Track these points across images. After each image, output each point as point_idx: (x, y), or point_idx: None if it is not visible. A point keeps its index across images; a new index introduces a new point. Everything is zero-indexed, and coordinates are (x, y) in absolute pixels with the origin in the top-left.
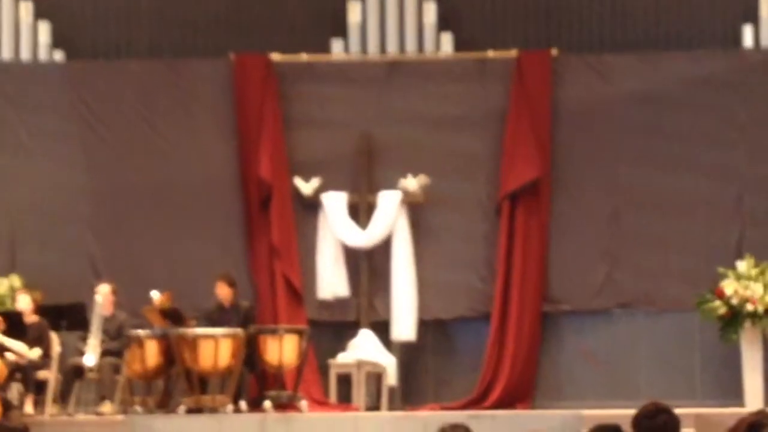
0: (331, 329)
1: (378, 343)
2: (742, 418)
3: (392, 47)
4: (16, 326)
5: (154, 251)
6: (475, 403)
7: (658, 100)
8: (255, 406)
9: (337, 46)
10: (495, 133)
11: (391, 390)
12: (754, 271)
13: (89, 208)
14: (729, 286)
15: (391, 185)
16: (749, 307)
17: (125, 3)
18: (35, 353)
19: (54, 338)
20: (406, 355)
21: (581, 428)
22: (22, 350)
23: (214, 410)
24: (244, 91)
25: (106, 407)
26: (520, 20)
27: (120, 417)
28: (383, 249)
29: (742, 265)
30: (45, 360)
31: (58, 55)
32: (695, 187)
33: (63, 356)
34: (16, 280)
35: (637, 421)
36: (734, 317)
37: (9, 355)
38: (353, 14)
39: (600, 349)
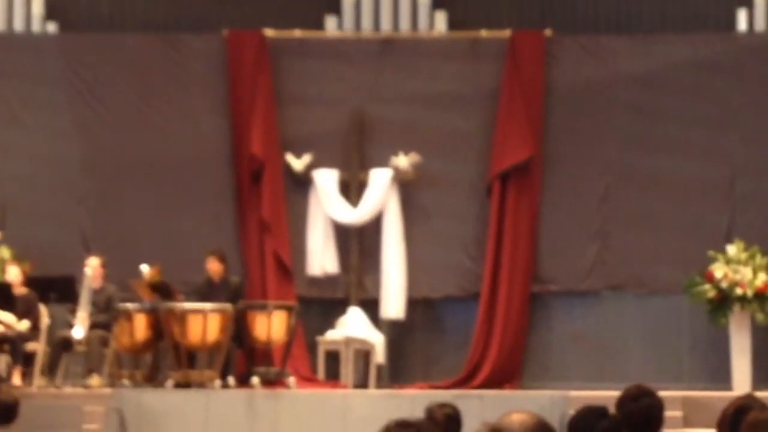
0: (319, 306)
1: (367, 321)
2: (731, 401)
3: (386, 25)
4: (4, 298)
5: (144, 225)
6: (463, 382)
7: (652, 83)
8: (243, 382)
9: (330, 22)
10: (487, 112)
11: (380, 368)
12: (743, 255)
13: (80, 181)
14: (719, 270)
15: (383, 163)
16: (738, 291)
17: None
18: (24, 325)
19: (43, 310)
20: (395, 333)
21: (568, 409)
22: (10, 321)
23: (201, 385)
24: (237, 66)
25: (94, 380)
26: (514, 0)
27: (108, 390)
28: (373, 227)
29: (732, 249)
30: (33, 332)
31: (52, 27)
32: (687, 169)
33: (51, 328)
34: (5, 251)
35: (621, 404)
36: (723, 301)
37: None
38: None
39: (588, 330)
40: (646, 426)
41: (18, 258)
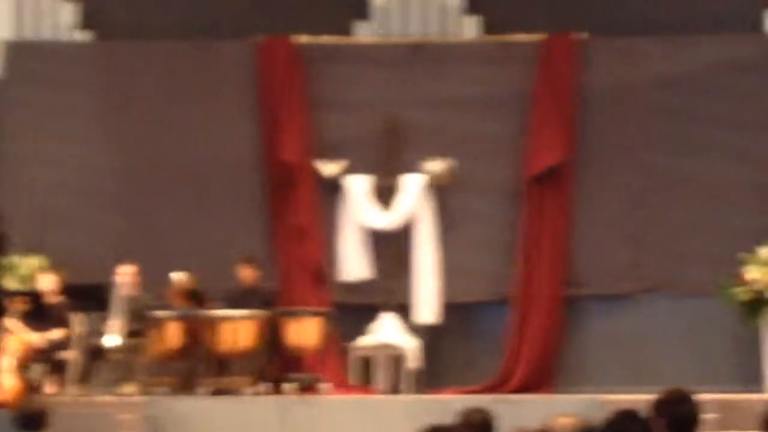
0: (351, 312)
1: (399, 326)
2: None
3: (416, 29)
4: (37, 307)
5: (177, 232)
6: (496, 387)
7: (684, 84)
8: (276, 388)
9: (361, 28)
10: (519, 115)
11: (413, 373)
12: None
13: (115, 188)
14: (752, 272)
15: (415, 167)
16: None
17: None
18: (56, 334)
19: (76, 319)
20: (429, 337)
21: (601, 413)
22: (33, 341)
23: (235, 392)
24: (269, 73)
25: (128, 388)
26: (546, 3)
27: (141, 398)
28: (407, 232)
29: (765, 251)
30: (67, 340)
31: (87, 36)
32: (720, 171)
33: (85, 337)
34: (39, 260)
35: (661, 407)
36: (756, 303)
37: (33, 336)
38: None
39: (622, 333)
40: (683, 429)
41: (54, 266)
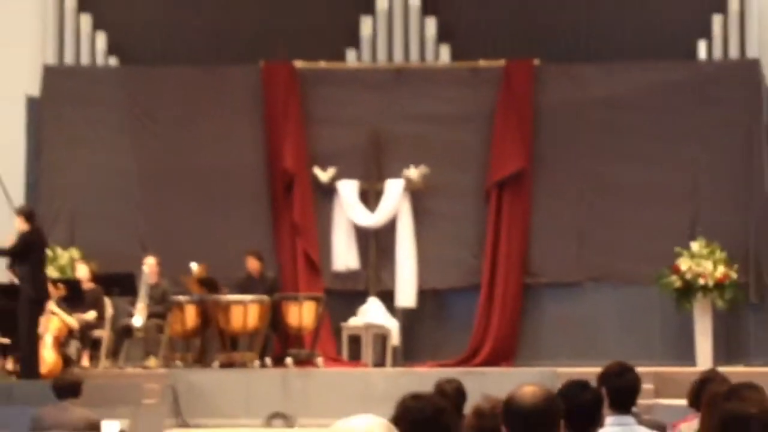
0: (343, 297)
1: (383, 309)
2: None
3: (398, 56)
4: (74, 292)
5: (193, 229)
6: (466, 361)
7: (625, 104)
8: (278, 362)
9: (350, 55)
10: (485, 130)
11: (395, 349)
12: (705, 251)
13: (138, 191)
14: (684, 263)
15: (396, 174)
16: (701, 281)
17: (170, 18)
18: (90, 315)
19: (107, 302)
20: (408, 319)
21: (556, 384)
22: (71, 322)
23: (243, 365)
24: (271, 93)
25: (151, 362)
26: (507, 34)
27: (163, 370)
28: (389, 229)
29: (695, 245)
30: (99, 321)
31: (113, 61)
32: (656, 177)
33: (115, 318)
34: (75, 252)
35: (605, 379)
36: (688, 290)
37: (70, 318)
38: (365, 28)
39: (572, 316)
40: (626, 397)
41: (86, 258)
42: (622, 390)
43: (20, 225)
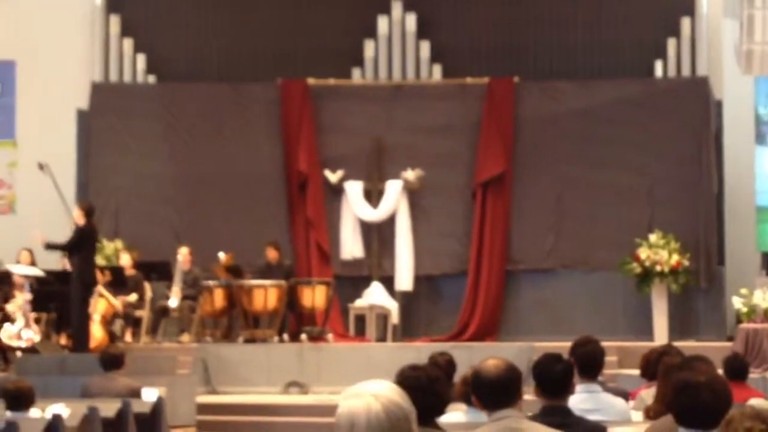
0: (350, 281)
1: (384, 292)
2: (653, 348)
3: (396, 75)
4: (118, 278)
5: (220, 223)
6: (456, 337)
7: (593, 115)
8: (294, 338)
9: (356, 73)
10: (471, 138)
11: (395, 327)
12: (661, 242)
13: (173, 191)
14: (643, 252)
15: (395, 176)
16: (658, 268)
17: (200, 41)
18: (132, 298)
19: (147, 286)
20: (406, 301)
21: (533, 356)
22: (116, 303)
23: (264, 341)
24: (287, 106)
25: (185, 338)
26: (491, 55)
27: (195, 345)
28: (389, 223)
29: (653, 237)
30: (140, 302)
31: (151, 79)
32: (619, 179)
33: (153, 300)
34: (119, 243)
35: (574, 349)
36: (647, 275)
37: (115, 299)
38: (368, 50)
39: (547, 298)
40: (592, 365)
41: (128, 248)
42: (587, 356)
43: (79, 218)
